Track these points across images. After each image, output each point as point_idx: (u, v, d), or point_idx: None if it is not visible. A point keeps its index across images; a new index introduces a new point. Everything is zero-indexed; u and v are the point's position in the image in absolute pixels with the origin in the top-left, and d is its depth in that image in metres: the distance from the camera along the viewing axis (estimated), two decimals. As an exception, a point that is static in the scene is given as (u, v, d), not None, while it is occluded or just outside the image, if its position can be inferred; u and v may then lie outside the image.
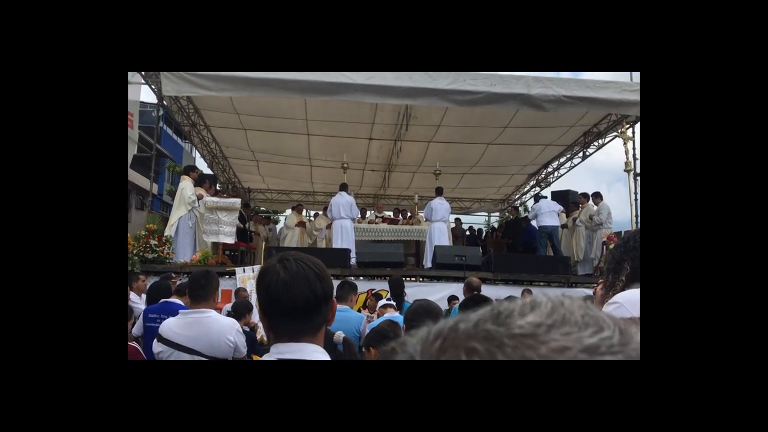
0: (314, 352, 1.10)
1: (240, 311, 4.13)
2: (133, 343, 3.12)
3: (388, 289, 6.29)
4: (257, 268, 6.90)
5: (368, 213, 11.88)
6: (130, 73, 7.39)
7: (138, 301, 4.75)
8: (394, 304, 4.27)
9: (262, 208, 15.76)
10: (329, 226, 9.82)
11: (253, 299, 6.18)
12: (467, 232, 14.04)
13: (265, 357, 1.12)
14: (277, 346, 1.10)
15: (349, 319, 3.41)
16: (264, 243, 10.60)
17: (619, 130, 8.89)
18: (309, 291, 1.08)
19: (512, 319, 0.32)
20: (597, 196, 9.42)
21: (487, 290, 4.80)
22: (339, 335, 2.98)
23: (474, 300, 2.38)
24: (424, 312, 2.00)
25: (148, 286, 4.58)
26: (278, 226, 12.79)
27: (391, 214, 11.91)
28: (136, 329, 3.52)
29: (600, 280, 2.23)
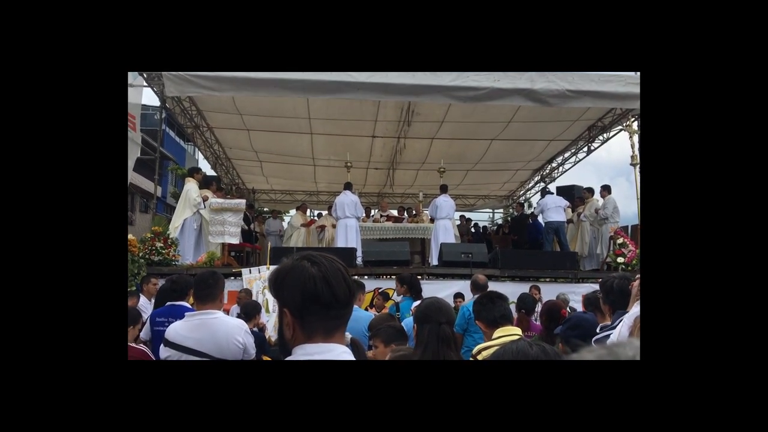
0: (343, 353, 1.10)
1: (249, 313, 4.10)
2: (142, 346, 3.09)
3: (395, 288, 6.25)
4: (263, 268, 6.88)
5: (372, 212, 11.85)
6: (132, 76, 7.38)
7: (147, 305, 4.73)
8: None
9: (265, 209, 15.75)
10: (333, 226, 9.79)
11: (261, 300, 6.16)
12: (472, 229, 14.00)
13: (293, 359, 1.10)
14: (303, 347, 1.08)
15: (358, 318, 3.38)
16: (268, 243, 10.58)
17: (625, 124, 8.83)
18: (345, 284, 1.11)
19: None
20: (605, 190, 9.30)
21: (494, 287, 4.77)
22: (346, 336, 2.94)
23: (489, 297, 2.35)
24: (436, 310, 1.97)
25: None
26: (271, 220, 12.67)
27: (395, 212, 11.88)
28: (144, 333, 3.49)
29: (637, 277, 2.21)
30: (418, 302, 4.59)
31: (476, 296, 4.27)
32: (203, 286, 2.59)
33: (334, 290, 1.08)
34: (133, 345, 2.97)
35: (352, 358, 1.13)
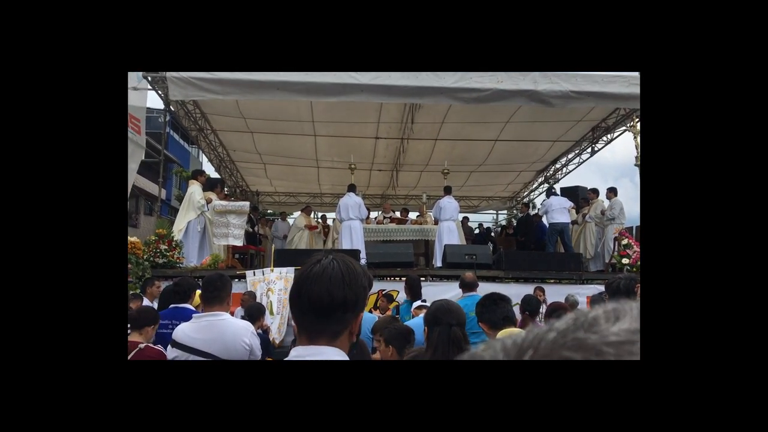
0: (335, 356, 1.06)
1: (253, 315, 4.11)
2: (159, 347, 3.11)
3: (399, 289, 6.26)
4: (267, 270, 6.90)
5: (375, 213, 11.83)
6: (137, 79, 7.41)
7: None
8: (429, 305, 4.25)
9: (269, 211, 15.77)
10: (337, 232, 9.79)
11: (265, 302, 6.18)
12: (476, 230, 13.99)
13: (286, 358, 1.11)
14: (296, 348, 1.08)
15: (362, 320, 3.38)
16: (272, 245, 10.61)
17: (629, 124, 8.81)
18: (326, 292, 1.04)
19: (601, 326, 0.33)
20: (611, 191, 9.31)
21: (498, 288, 4.76)
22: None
23: (492, 299, 2.35)
24: (446, 312, 1.98)
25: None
26: (279, 222, 12.71)
27: (398, 213, 11.87)
28: (148, 335, 3.50)
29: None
30: (416, 303, 4.59)
31: (466, 294, 4.29)
32: (211, 288, 2.60)
33: (309, 294, 1.04)
34: (151, 345, 2.99)
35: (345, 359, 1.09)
